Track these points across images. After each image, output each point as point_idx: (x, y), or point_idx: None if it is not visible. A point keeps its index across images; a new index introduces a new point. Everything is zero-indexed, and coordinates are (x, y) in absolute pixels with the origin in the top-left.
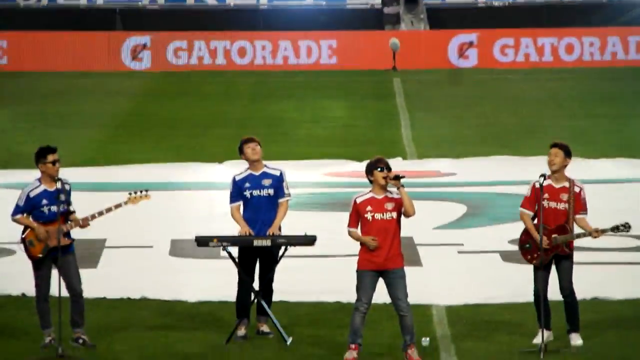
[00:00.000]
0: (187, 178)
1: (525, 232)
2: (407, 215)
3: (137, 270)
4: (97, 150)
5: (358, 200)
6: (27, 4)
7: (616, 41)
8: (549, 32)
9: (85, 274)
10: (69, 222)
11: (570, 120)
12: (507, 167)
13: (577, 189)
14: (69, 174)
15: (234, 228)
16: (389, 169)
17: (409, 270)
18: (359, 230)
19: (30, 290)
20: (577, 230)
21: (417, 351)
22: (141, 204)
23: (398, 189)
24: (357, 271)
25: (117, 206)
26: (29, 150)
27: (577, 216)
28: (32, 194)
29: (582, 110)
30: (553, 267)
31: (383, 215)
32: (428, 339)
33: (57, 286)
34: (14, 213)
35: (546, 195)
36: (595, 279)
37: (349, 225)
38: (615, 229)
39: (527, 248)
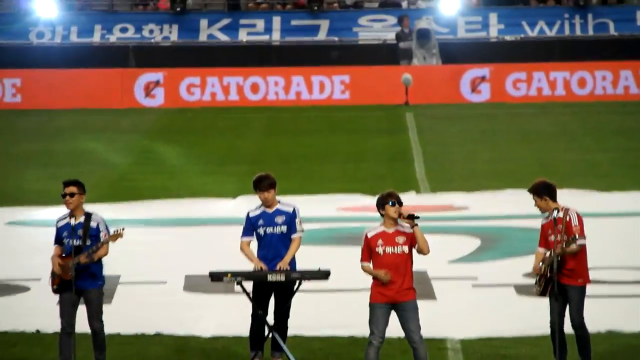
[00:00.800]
0: (200, 214)
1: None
2: (422, 253)
3: (151, 305)
4: (110, 187)
5: (369, 235)
6: (41, 42)
7: (629, 75)
8: (561, 66)
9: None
10: (75, 257)
11: (584, 154)
12: (521, 201)
13: (567, 218)
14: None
15: (248, 263)
16: (400, 203)
17: (423, 304)
18: (371, 265)
19: (45, 327)
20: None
21: None
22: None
23: (412, 227)
24: (369, 304)
25: (101, 245)
26: (40, 188)
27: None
28: (58, 225)
29: (596, 144)
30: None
31: (394, 249)
32: None
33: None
34: (54, 242)
35: (549, 232)
36: (610, 311)
37: (362, 260)
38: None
39: (536, 281)
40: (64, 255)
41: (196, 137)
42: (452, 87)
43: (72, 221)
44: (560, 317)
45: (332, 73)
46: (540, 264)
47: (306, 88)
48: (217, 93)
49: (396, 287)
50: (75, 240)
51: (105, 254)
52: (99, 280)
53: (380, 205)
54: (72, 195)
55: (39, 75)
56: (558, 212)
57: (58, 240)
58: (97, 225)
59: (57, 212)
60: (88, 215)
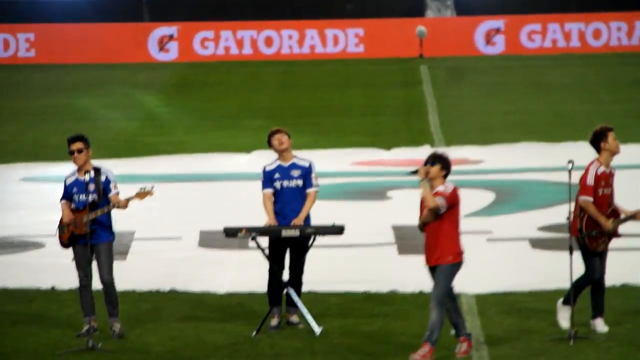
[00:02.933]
0: (215, 169)
1: (589, 219)
2: (427, 207)
3: (166, 262)
4: (125, 142)
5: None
6: None
7: None
8: (576, 17)
9: (114, 265)
10: (90, 212)
11: (599, 106)
12: (536, 154)
13: (614, 172)
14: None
15: (262, 218)
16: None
17: None
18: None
19: (60, 284)
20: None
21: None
22: (150, 198)
23: (420, 182)
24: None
25: (124, 203)
26: (56, 142)
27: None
28: (67, 182)
29: (610, 96)
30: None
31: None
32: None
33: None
34: (60, 199)
35: (602, 183)
36: (625, 265)
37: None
38: None
39: (593, 235)
40: (74, 210)
41: (210, 92)
42: (467, 39)
43: (82, 177)
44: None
45: (346, 26)
46: (614, 221)
47: (320, 41)
48: (231, 47)
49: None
50: (88, 196)
51: (125, 207)
52: (110, 235)
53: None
54: (80, 151)
55: (53, 29)
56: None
57: (67, 196)
58: (107, 177)
59: (72, 168)
60: (97, 170)
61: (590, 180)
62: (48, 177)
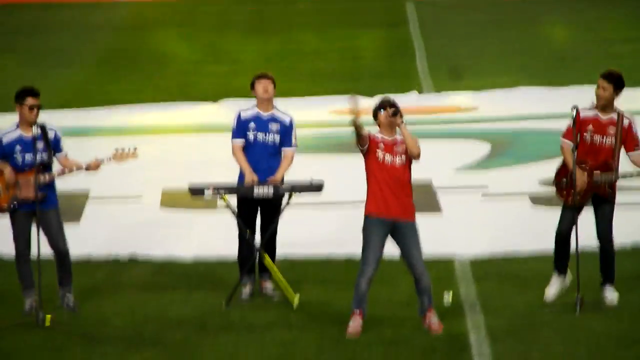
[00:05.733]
0: (178, 120)
1: (564, 166)
2: (412, 156)
3: (125, 225)
4: (77, 91)
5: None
6: None
7: None
8: None
9: (66, 230)
10: (45, 174)
11: (605, 46)
12: (535, 100)
13: (626, 122)
14: (45, 117)
15: (232, 175)
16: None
17: (427, 218)
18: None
19: (1, 252)
20: (623, 169)
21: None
22: (128, 162)
23: (398, 126)
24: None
25: (95, 165)
26: None
27: (632, 153)
28: (5, 139)
29: (617, 34)
30: (586, 211)
31: (394, 158)
32: (451, 292)
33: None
34: None
35: (590, 127)
36: (636, 222)
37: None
38: None
39: (563, 184)
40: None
41: (173, 33)
42: None
43: (27, 133)
44: (571, 226)
45: None
46: (599, 176)
47: None
48: None
49: (395, 203)
50: (35, 155)
51: (96, 169)
52: (55, 200)
53: (374, 115)
54: (39, 107)
55: None
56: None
57: (4, 155)
58: (55, 135)
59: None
60: (42, 127)
61: (569, 122)
62: None
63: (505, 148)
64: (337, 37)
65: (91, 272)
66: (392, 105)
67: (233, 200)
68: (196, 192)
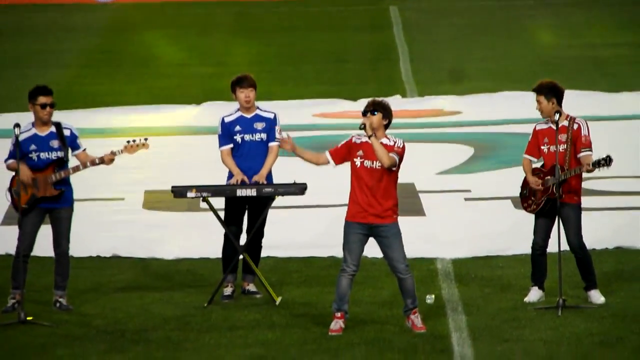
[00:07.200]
0: (161, 122)
1: (525, 179)
2: (384, 166)
3: (108, 225)
4: (60, 92)
5: (354, 140)
6: None
7: None
8: None
9: (49, 230)
10: (58, 171)
11: (588, 50)
12: (518, 104)
13: (575, 126)
14: (23, 120)
15: (215, 177)
16: (378, 111)
17: (410, 220)
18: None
19: None
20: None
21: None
22: (138, 153)
23: (369, 137)
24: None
25: (109, 159)
26: None
27: (580, 154)
28: (21, 138)
29: (601, 39)
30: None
31: (373, 163)
32: (433, 296)
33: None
34: (7, 158)
35: (546, 140)
36: (618, 226)
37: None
38: (597, 164)
39: (524, 195)
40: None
41: (155, 36)
42: None
43: (41, 132)
44: (545, 236)
45: None
46: (549, 179)
47: None
48: None
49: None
50: (51, 153)
51: (110, 163)
52: (71, 198)
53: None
54: (52, 105)
55: None
56: (559, 118)
57: (18, 154)
58: (71, 132)
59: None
60: (58, 124)
61: (530, 137)
62: None
63: (488, 152)
64: (321, 41)
65: (74, 271)
66: (372, 105)
67: (215, 201)
68: (179, 193)
